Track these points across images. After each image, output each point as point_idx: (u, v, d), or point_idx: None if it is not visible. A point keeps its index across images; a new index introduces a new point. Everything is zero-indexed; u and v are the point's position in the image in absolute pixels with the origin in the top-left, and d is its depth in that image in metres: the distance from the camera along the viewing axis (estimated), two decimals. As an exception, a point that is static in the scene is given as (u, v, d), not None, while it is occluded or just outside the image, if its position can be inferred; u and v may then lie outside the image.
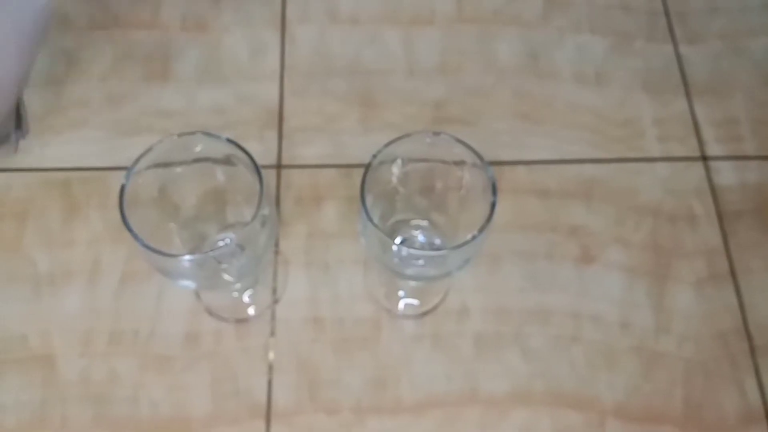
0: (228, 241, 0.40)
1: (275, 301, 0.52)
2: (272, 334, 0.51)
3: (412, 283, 0.52)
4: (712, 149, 0.59)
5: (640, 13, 0.65)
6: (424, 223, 0.49)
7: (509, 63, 0.62)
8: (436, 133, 0.41)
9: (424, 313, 0.52)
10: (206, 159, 0.41)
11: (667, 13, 0.65)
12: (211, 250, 0.36)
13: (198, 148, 0.40)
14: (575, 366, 0.51)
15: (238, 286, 0.51)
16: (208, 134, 0.40)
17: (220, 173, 0.43)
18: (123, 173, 0.38)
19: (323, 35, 0.63)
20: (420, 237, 0.49)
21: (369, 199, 0.39)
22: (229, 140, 0.39)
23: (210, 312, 0.52)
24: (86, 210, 0.55)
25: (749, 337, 0.52)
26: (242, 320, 0.52)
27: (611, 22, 0.64)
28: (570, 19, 0.64)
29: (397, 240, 0.48)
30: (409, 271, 0.42)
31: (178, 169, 0.41)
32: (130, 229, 0.36)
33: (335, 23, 0.64)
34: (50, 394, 0.49)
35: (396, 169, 0.43)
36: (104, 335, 0.51)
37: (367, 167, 0.39)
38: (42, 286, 0.52)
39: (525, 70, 0.62)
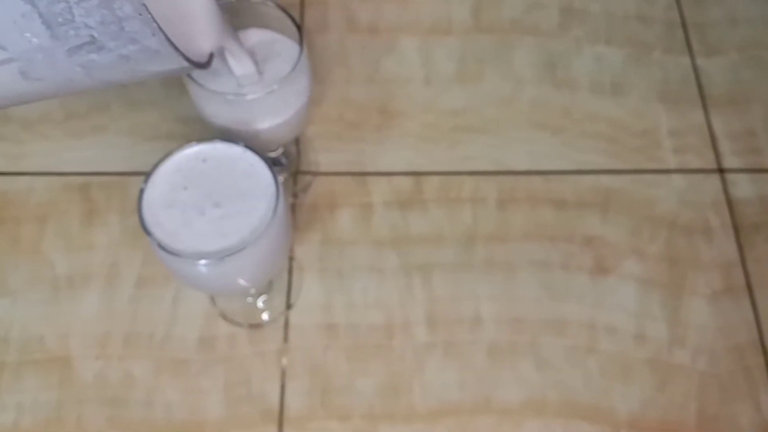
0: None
1: (289, 307, 0.53)
2: (286, 339, 0.52)
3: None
4: (729, 161, 0.59)
5: (657, 24, 0.65)
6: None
7: (526, 73, 0.62)
8: None
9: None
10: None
11: (684, 25, 0.65)
12: (227, 255, 0.37)
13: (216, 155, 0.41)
14: (589, 377, 0.51)
15: (252, 291, 0.52)
16: (226, 141, 0.40)
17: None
18: (142, 178, 0.39)
19: (342, 44, 0.63)
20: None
21: None
22: (247, 147, 0.40)
23: (224, 317, 0.52)
24: (105, 214, 0.55)
25: (765, 351, 0.52)
26: (256, 325, 0.52)
27: (629, 32, 0.64)
28: (587, 29, 0.64)
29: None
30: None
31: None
32: (148, 233, 0.37)
33: (354, 32, 0.64)
34: (66, 395, 0.49)
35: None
36: (120, 338, 0.51)
37: None
38: (60, 289, 0.53)
39: (542, 79, 0.62)
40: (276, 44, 0.45)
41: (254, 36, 0.45)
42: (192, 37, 0.37)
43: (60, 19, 0.27)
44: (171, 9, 0.35)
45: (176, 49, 0.30)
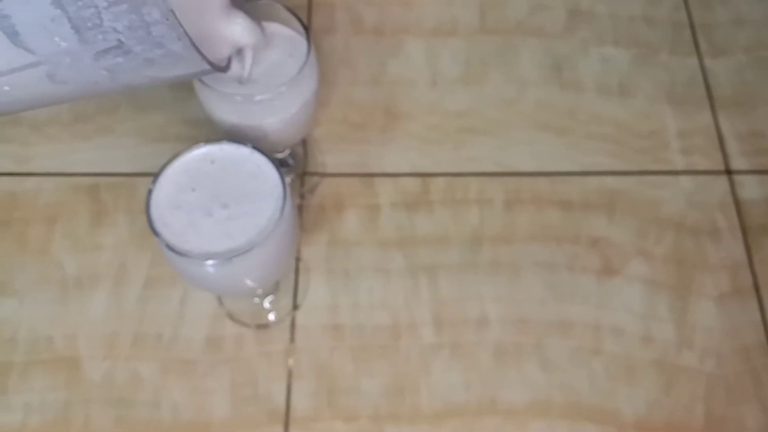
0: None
1: (296, 308, 0.53)
2: (292, 340, 0.52)
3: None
4: (737, 163, 0.59)
5: (664, 25, 0.65)
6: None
7: (532, 74, 0.62)
8: None
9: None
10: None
11: (691, 25, 0.65)
12: (234, 256, 0.37)
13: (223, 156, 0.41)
14: (595, 378, 0.51)
15: (259, 291, 0.52)
16: (233, 143, 0.40)
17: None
18: (149, 179, 0.39)
19: (348, 45, 0.64)
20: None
21: None
22: (254, 148, 0.40)
23: (231, 317, 0.53)
24: (113, 215, 0.56)
25: (773, 352, 0.52)
26: (263, 326, 0.52)
27: (635, 34, 0.64)
28: (593, 30, 0.64)
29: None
30: None
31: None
32: (156, 233, 0.37)
33: (359, 34, 0.64)
34: (74, 396, 0.50)
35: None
36: (128, 338, 0.51)
37: None
38: (69, 289, 0.53)
39: (548, 81, 0.62)
40: (282, 40, 0.45)
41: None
42: (213, 40, 0.37)
43: (89, 24, 0.28)
44: (195, 14, 0.36)
45: (200, 53, 0.31)
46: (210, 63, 0.32)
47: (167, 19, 0.28)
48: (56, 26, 0.28)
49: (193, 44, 0.30)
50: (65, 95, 0.33)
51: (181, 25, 0.29)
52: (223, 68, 0.37)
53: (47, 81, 0.31)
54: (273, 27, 0.45)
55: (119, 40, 0.29)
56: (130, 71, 0.31)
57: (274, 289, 0.53)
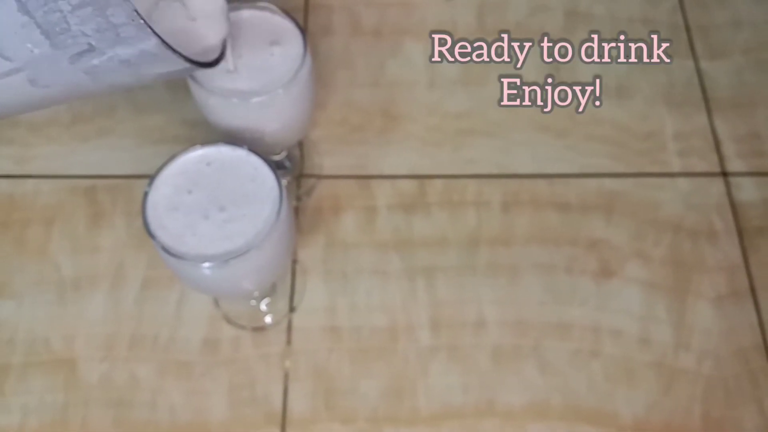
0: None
1: (292, 310, 0.53)
2: (289, 342, 0.52)
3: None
4: (734, 165, 0.59)
5: (661, 27, 0.65)
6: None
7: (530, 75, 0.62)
8: None
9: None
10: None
11: (688, 28, 0.65)
12: (231, 258, 0.37)
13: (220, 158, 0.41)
14: (593, 381, 0.51)
15: (256, 294, 0.52)
16: (230, 144, 0.40)
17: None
18: (147, 181, 0.39)
19: (346, 47, 0.64)
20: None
21: None
22: (251, 150, 0.40)
23: (228, 319, 0.53)
24: (111, 217, 0.56)
25: (771, 355, 0.52)
26: (260, 328, 0.52)
27: (633, 35, 0.64)
28: (592, 32, 0.64)
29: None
30: None
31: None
32: (152, 236, 0.37)
33: (358, 35, 0.64)
34: (72, 397, 0.50)
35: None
36: (125, 340, 0.51)
37: None
38: (66, 291, 0.53)
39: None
40: (281, 32, 0.45)
41: (261, 18, 0.45)
42: (203, 35, 0.37)
43: (57, 29, 0.28)
44: (181, 11, 0.35)
45: (174, 50, 0.30)
46: (189, 60, 0.32)
47: (133, 20, 0.28)
48: (27, 32, 0.28)
49: (165, 42, 0.29)
50: (53, 98, 0.33)
51: (149, 25, 0.28)
52: (209, 64, 0.36)
53: (30, 86, 0.31)
54: (251, 12, 0.44)
55: (89, 44, 0.29)
56: (109, 72, 0.31)
57: (270, 291, 0.53)
